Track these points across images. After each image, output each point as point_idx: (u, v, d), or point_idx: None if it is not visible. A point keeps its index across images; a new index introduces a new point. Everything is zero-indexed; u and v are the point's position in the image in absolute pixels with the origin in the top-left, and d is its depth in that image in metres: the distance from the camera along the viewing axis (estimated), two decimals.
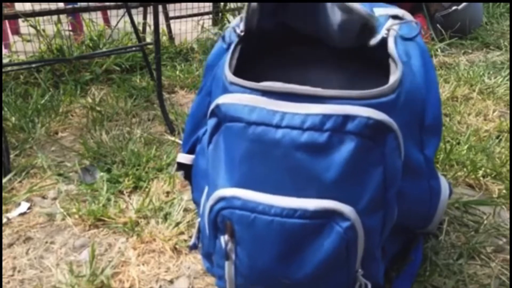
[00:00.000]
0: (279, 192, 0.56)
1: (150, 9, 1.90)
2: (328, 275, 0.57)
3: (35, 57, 1.62)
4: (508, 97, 1.38)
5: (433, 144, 0.67)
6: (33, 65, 1.49)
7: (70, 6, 1.53)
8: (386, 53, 0.62)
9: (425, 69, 0.66)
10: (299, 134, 0.55)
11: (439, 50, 1.80)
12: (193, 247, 0.72)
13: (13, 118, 1.25)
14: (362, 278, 0.59)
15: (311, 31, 0.67)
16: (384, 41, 0.63)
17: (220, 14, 2.13)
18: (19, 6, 1.69)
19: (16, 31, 2.08)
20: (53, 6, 1.53)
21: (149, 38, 1.87)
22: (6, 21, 2.03)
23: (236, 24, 0.68)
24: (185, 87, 1.53)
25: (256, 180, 0.57)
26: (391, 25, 0.64)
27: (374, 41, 0.63)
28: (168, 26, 1.95)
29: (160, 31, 1.45)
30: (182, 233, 0.84)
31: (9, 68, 1.48)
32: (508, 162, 1.02)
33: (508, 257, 0.78)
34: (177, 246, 0.81)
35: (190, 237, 0.83)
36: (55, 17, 1.68)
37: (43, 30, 1.63)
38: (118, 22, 1.67)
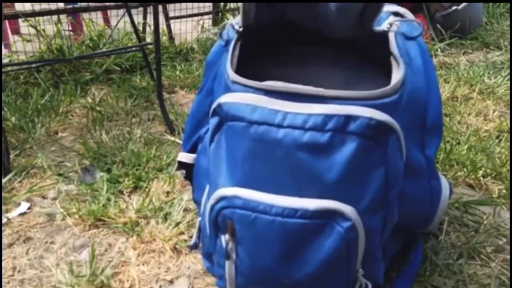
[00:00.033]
0: (280, 191, 0.56)
1: (150, 9, 1.90)
2: (329, 275, 0.57)
3: (35, 57, 1.62)
4: (508, 97, 1.38)
5: (434, 144, 0.67)
6: (33, 65, 1.49)
7: (70, 6, 1.53)
8: (387, 50, 0.62)
9: (425, 69, 0.66)
10: (301, 134, 0.55)
11: (439, 50, 1.80)
12: (194, 247, 0.72)
13: (13, 118, 1.25)
14: (362, 278, 0.59)
15: (310, 22, 0.66)
16: (385, 35, 0.63)
17: (220, 14, 2.13)
18: (19, 6, 1.69)
19: (16, 31, 2.08)
20: (53, 6, 1.52)
21: (149, 38, 1.87)
22: (6, 21, 2.02)
23: (235, 21, 0.68)
24: (185, 87, 1.53)
25: (257, 180, 0.57)
26: (393, 21, 0.64)
27: (376, 29, 0.62)
28: (168, 26, 1.95)
29: (160, 31, 1.45)
30: (182, 233, 0.84)
31: (9, 68, 1.48)
32: (508, 162, 1.02)
33: (508, 257, 0.78)
34: (177, 246, 0.81)
35: (190, 237, 0.83)
36: (55, 17, 1.68)
37: (43, 30, 1.63)
38: (118, 22, 1.67)
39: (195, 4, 2.08)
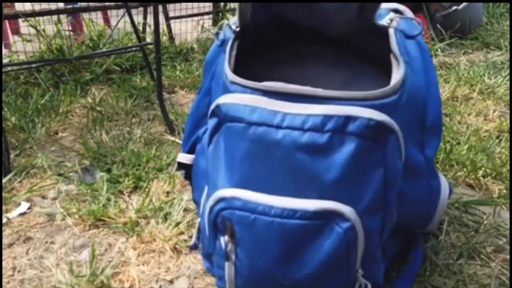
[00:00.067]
0: (279, 192, 0.56)
1: (150, 9, 1.90)
2: (328, 275, 0.57)
3: (35, 57, 1.62)
4: (508, 97, 1.38)
5: (434, 144, 0.67)
6: (33, 65, 1.49)
7: (70, 6, 1.53)
8: (387, 47, 0.61)
9: (425, 69, 0.66)
10: (299, 135, 0.55)
11: (439, 50, 1.80)
12: (193, 248, 0.72)
13: (13, 118, 1.25)
14: (362, 278, 0.59)
15: (308, 20, 0.66)
16: (385, 30, 0.62)
17: (220, 14, 2.13)
18: (19, 6, 1.69)
19: (16, 31, 2.08)
20: (53, 6, 1.52)
21: (149, 38, 1.87)
22: (6, 21, 2.02)
23: (232, 21, 0.68)
24: (185, 87, 1.53)
25: (256, 181, 0.57)
26: (393, 17, 0.63)
27: (376, 23, 0.62)
28: (168, 26, 1.95)
29: (160, 31, 1.45)
30: (182, 233, 0.84)
31: (9, 68, 1.48)
32: (508, 162, 1.02)
33: (508, 257, 0.78)
34: (177, 246, 0.81)
35: (190, 237, 0.83)
36: (55, 17, 1.68)
37: (43, 30, 1.63)
38: (118, 22, 1.67)
39: (195, 4, 2.08)
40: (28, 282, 0.75)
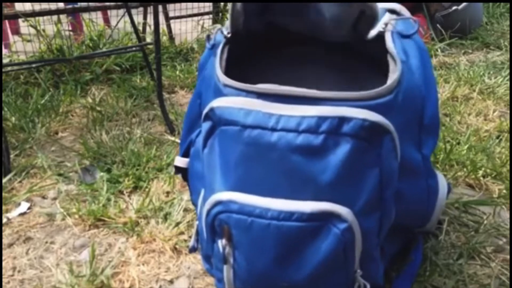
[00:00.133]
0: (275, 195, 0.56)
1: (150, 9, 1.90)
2: (327, 276, 0.57)
3: (35, 57, 1.62)
4: (508, 97, 1.38)
5: (431, 143, 0.67)
6: (33, 65, 1.49)
7: (70, 6, 1.53)
8: (383, 49, 0.61)
9: (423, 68, 0.65)
10: (294, 137, 0.55)
11: (439, 50, 1.80)
12: (192, 250, 0.72)
13: (13, 118, 1.25)
14: (361, 278, 0.59)
15: (302, 28, 0.66)
16: (381, 36, 0.62)
17: (220, 14, 2.13)
18: (19, 6, 1.69)
19: (16, 31, 2.08)
20: (53, 6, 1.53)
21: (149, 38, 1.87)
22: (6, 21, 2.03)
23: (225, 26, 0.67)
24: (185, 87, 1.53)
25: (252, 184, 0.57)
26: (388, 20, 0.63)
27: (371, 34, 0.62)
28: (168, 26, 1.95)
29: (160, 31, 1.45)
30: (182, 233, 0.84)
31: (9, 68, 1.49)
32: (508, 162, 1.02)
33: (508, 257, 0.78)
34: (177, 246, 0.81)
35: (190, 237, 0.83)
36: (55, 17, 1.68)
37: (43, 30, 1.63)
38: (118, 22, 1.67)
39: (195, 4, 2.08)
40: (28, 282, 0.75)
